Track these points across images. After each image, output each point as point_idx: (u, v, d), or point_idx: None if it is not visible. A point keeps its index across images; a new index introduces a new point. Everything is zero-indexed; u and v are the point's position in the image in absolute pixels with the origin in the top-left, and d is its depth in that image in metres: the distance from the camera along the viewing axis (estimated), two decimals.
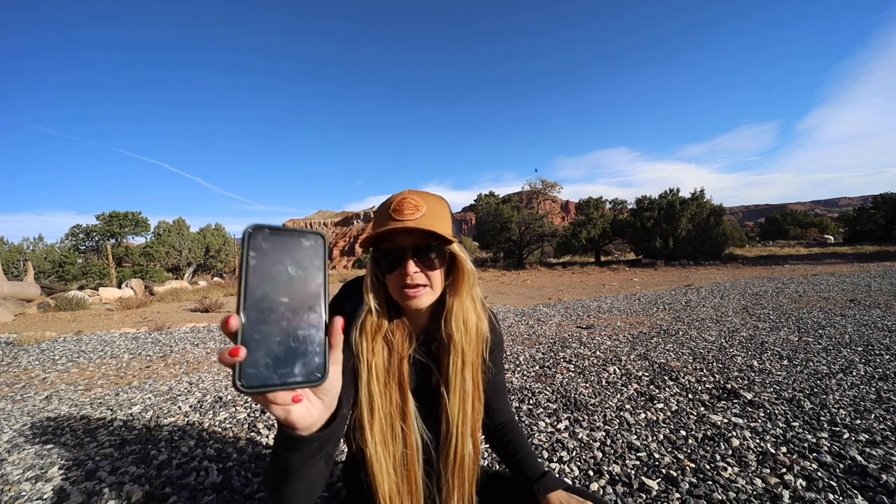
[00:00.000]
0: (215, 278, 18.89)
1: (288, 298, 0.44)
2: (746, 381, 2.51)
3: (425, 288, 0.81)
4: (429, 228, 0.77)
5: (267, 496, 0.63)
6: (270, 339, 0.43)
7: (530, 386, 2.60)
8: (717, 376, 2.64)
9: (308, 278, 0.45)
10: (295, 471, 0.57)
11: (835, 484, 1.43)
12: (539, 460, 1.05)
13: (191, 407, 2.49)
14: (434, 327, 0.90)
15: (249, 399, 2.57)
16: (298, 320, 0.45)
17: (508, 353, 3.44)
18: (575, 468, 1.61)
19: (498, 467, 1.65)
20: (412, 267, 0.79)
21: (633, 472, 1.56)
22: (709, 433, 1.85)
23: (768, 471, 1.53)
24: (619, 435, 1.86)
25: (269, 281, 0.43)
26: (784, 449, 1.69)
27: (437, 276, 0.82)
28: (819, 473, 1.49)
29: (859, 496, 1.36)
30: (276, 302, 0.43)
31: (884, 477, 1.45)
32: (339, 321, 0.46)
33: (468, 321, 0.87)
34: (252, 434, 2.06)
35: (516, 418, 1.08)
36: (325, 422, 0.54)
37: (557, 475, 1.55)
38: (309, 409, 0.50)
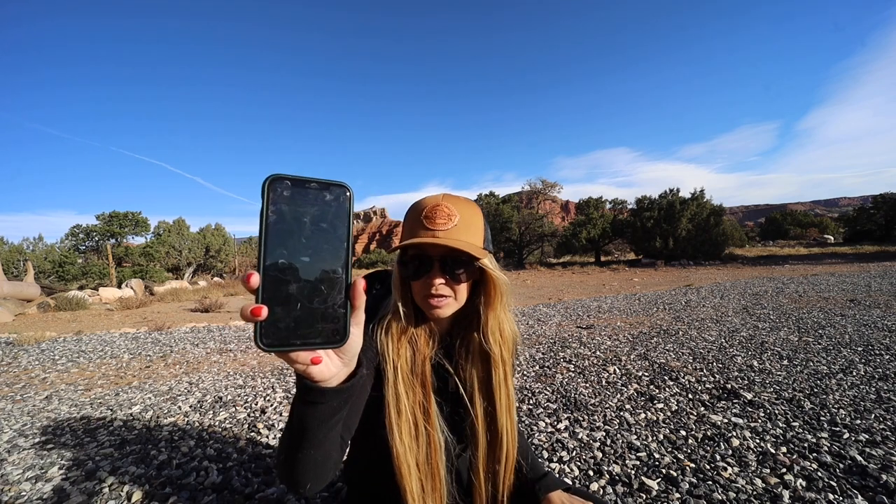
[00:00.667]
0: (215, 278, 18.89)
1: (309, 257, 0.43)
2: (746, 381, 2.51)
3: (449, 299, 0.81)
4: (458, 245, 0.74)
5: (279, 466, 0.63)
6: (291, 299, 0.42)
7: (530, 386, 2.60)
8: (717, 376, 2.64)
9: (330, 235, 0.44)
10: (312, 430, 0.57)
11: (835, 484, 1.43)
12: (539, 461, 1.05)
13: (191, 407, 2.49)
14: (455, 331, 0.91)
15: (249, 399, 2.58)
16: (320, 280, 0.43)
17: None
18: (575, 468, 1.61)
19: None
20: (438, 278, 0.78)
21: (633, 472, 1.56)
22: (709, 433, 1.85)
23: (768, 471, 1.53)
24: (619, 435, 1.86)
25: (289, 238, 0.42)
26: (784, 449, 1.69)
27: (463, 289, 0.82)
28: (819, 473, 1.49)
29: (859, 496, 1.36)
30: (297, 260, 0.42)
31: (884, 477, 1.45)
32: (360, 282, 0.46)
33: (504, 332, 0.88)
34: (252, 434, 2.06)
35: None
36: (345, 378, 0.54)
37: (557, 475, 1.55)
38: (328, 365, 0.50)
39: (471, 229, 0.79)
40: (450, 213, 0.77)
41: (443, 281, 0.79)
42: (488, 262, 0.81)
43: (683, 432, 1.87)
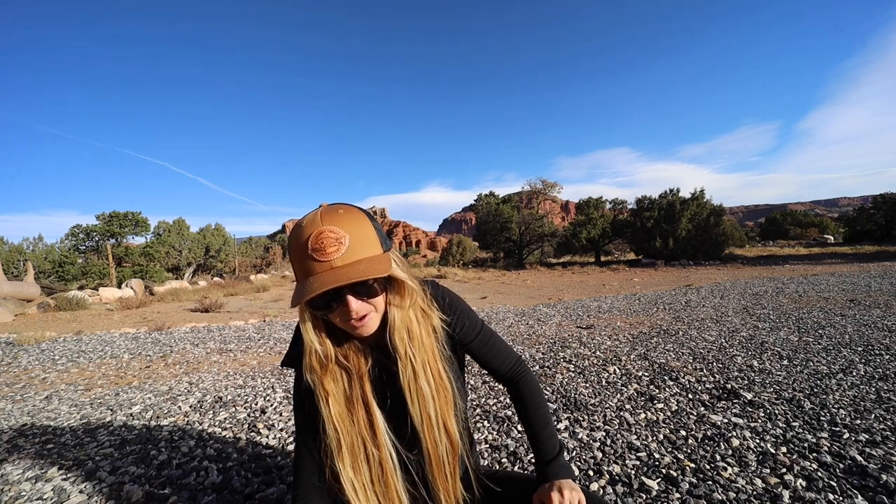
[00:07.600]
0: (215, 278, 18.88)
1: None
2: (746, 381, 2.51)
3: (370, 314, 0.79)
4: (363, 275, 0.71)
5: None
6: None
7: None
8: (717, 376, 2.64)
9: None
10: None
11: (835, 484, 1.43)
12: (552, 439, 0.96)
13: (191, 407, 2.49)
14: (385, 333, 0.87)
15: (249, 399, 2.58)
16: None
17: None
18: (575, 468, 1.61)
19: (497, 467, 1.65)
20: (354, 303, 0.75)
21: (633, 472, 1.56)
22: (709, 433, 1.85)
23: (768, 471, 1.53)
24: (619, 435, 1.86)
25: None
26: (784, 449, 1.69)
27: (380, 300, 0.80)
28: (819, 473, 1.49)
29: (859, 496, 1.36)
30: None
31: (884, 477, 1.45)
32: None
33: (412, 330, 0.84)
34: (252, 434, 2.06)
35: (527, 367, 1.02)
36: None
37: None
38: None
39: (364, 243, 0.75)
40: (337, 236, 0.71)
41: (358, 305, 0.76)
42: (393, 265, 0.78)
43: (683, 432, 1.87)
